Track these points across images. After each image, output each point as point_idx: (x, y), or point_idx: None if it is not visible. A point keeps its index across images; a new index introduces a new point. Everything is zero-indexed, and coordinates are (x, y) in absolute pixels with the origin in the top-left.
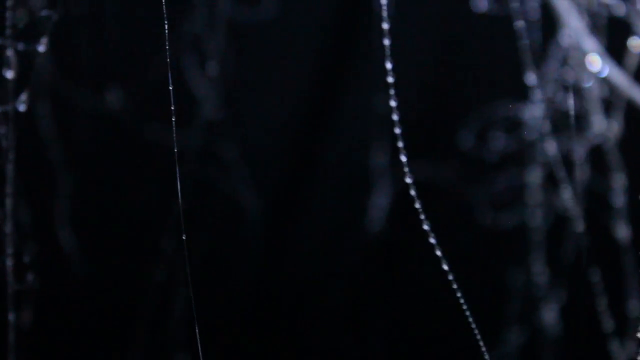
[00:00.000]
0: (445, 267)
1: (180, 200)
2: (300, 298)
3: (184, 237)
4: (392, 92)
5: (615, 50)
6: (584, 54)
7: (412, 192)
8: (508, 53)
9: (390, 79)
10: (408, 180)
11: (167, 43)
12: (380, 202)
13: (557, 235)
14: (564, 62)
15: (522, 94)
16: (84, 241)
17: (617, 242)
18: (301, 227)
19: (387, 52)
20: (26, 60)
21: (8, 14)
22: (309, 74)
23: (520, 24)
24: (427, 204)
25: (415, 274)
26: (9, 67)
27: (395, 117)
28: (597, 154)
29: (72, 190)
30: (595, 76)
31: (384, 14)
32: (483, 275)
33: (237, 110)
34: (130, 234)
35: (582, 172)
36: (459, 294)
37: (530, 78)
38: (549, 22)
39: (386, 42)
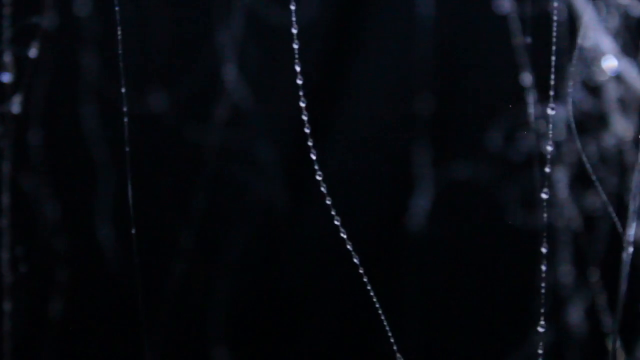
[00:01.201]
0: (356, 261)
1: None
2: (338, 298)
3: (132, 231)
4: (301, 92)
5: (632, 50)
6: (601, 54)
7: (323, 188)
8: (536, 54)
9: (299, 81)
10: (318, 177)
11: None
12: (421, 202)
13: (583, 235)
14: (584, 62)
15: (547, 94)
16: (121, 238)
17: (634, 243)
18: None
19: (296, 54)
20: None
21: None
22: (346, 75)
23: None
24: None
25: (454, 274)
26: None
27: (304, 117)
28: (615, 154)
29: (113, 188)
30: (613, 76)
31: (294, 18)
32: (511, 275)
33: (272, 111)
34: (167, 231)
35: (603, 172)
36: (370, 292)
37: (526, 79)
38: (572, 23)
39: (295, 45)
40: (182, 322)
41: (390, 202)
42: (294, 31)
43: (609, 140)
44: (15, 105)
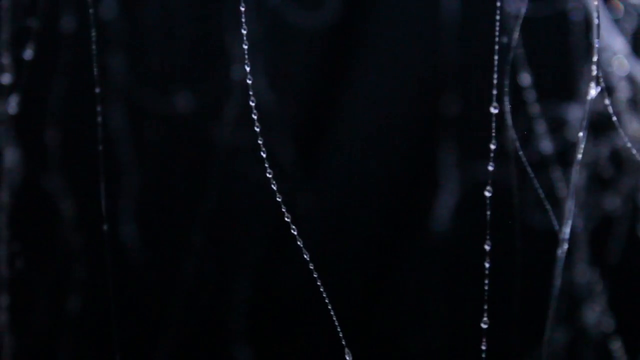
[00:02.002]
0: (306, 257)
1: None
2: (365, 297)
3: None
4: (250, 92)
5: None
6: (614, 54)
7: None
8: (553, 54)
9: (249, 81)
10: (268, 174)
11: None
12: (447, 201)
13: (601, 235)
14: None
15: (569, 94)
16: (145, 236)
17: None
18: (366, 226)
19: (245, 55)
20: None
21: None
22: (370, 76)
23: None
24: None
25: (477, 274)
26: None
27: (254, 116)
28: (626, 155)
29: (138, 187)
30: (625, 76)
31: (243, 19)
32: (529, 275)
33: (295, 113)
34: (192, 230)
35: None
36: (322, 289)
37: (525, 79)
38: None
39: (245, 45)
40: (203, 319)
41: (415, 202)
42: (244, 32)
43: (620, 140)
44: (12, 106)
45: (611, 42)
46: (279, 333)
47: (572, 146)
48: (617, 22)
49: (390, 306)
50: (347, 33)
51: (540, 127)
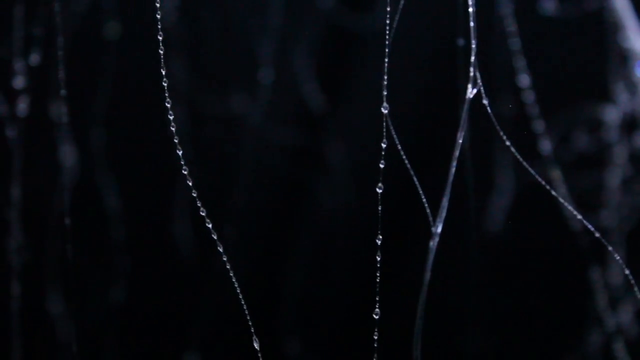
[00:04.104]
0: (220, 249)
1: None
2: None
3: (66, 221)
4: (166, 94)
5: None
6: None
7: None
8: (588, 55)
9: (164, 83)
10: (183, 171)
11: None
12: (501, 202)
13: (637, 236)
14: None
15: (603, 95)
16: (198, 233)
17: None
18: (418, 227)
19: (162, 58)
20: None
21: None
22: (423, 78)
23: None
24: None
25: (527, 274)
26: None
27: (170, 116)
28: None
29: (194, 186)
30: None
31: (159, 25)
32: (564, 276)
33: (345, 113)
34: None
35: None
36: (236, 285)
37: (524, 80)
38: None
39: (160, 51)
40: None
41: (470, 201)
42: (160, 38)
43: None
44: (22, 108)
45: (636, 42)
46: (327, 327)
47: (606, 147)
48: None
49: (444, 306)
50: (410, 34)
51: (577, 127)
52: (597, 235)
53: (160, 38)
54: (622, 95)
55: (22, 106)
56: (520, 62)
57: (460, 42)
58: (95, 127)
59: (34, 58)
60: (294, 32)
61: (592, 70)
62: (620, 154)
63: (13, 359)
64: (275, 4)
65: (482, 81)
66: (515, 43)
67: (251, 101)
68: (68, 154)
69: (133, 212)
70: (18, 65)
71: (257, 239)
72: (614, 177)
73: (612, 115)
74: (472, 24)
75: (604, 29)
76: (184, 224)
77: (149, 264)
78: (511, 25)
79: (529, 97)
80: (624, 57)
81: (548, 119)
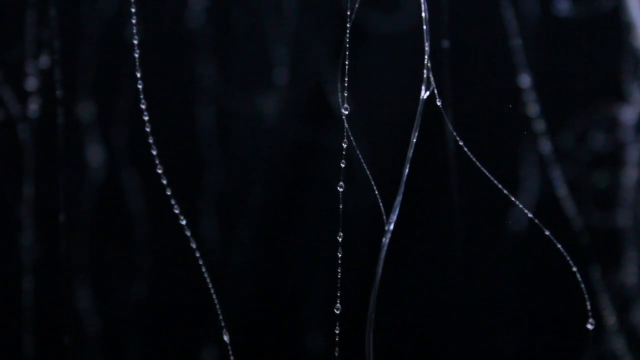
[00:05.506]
0: (194, 246)
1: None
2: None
3: (61, 218)
4: (141, 96)
5: None
6: None
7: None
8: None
9: (139, 86)
10: (158, 170)
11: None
12: (525, 202)
13: None
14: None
15: (619, 95)
16: (224, 231)
17: None
18: (439, 227)
19: (137, 62)
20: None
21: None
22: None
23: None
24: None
25: (556, 275)
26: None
27: (145, 117)
28: None
29: (222, 185)
30: None
31: (134, 29)
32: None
33: (369, 113)
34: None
35: None
36: (206, 276)
37: (524, 80)
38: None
39: (136, 55)
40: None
41: (494, 200)
42: (135, 42)
43: None
44: (34, 109)
45: None
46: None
47: (622, 147)
48: None
49: (466, 304)
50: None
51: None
52: (547, 233)
53: (136, 42)
54: (636, 95)
55: (34, 107)
56: (532, 63)
57: (445, 44)
58: (120, 126)
59: (44, 60)
60: (325, 33)
61: (606, 70)
62: (635, 154)
63: (34, 354)
64: (290, 4)
65: (482, 82)
66: (527, 44)
67: (279, 101)
68: (95, 154)
69: (156, 211)
70: (30, 66)
71: (272, 235)
72: (629, 176)
73: (627, 115)
74: (424, 27)
75: (618, 29)
76: (209, 221)
77: (171, 262)
78: (523, 26)
79: (544, 97)
80: (639, 57)
81: (562, 119)
